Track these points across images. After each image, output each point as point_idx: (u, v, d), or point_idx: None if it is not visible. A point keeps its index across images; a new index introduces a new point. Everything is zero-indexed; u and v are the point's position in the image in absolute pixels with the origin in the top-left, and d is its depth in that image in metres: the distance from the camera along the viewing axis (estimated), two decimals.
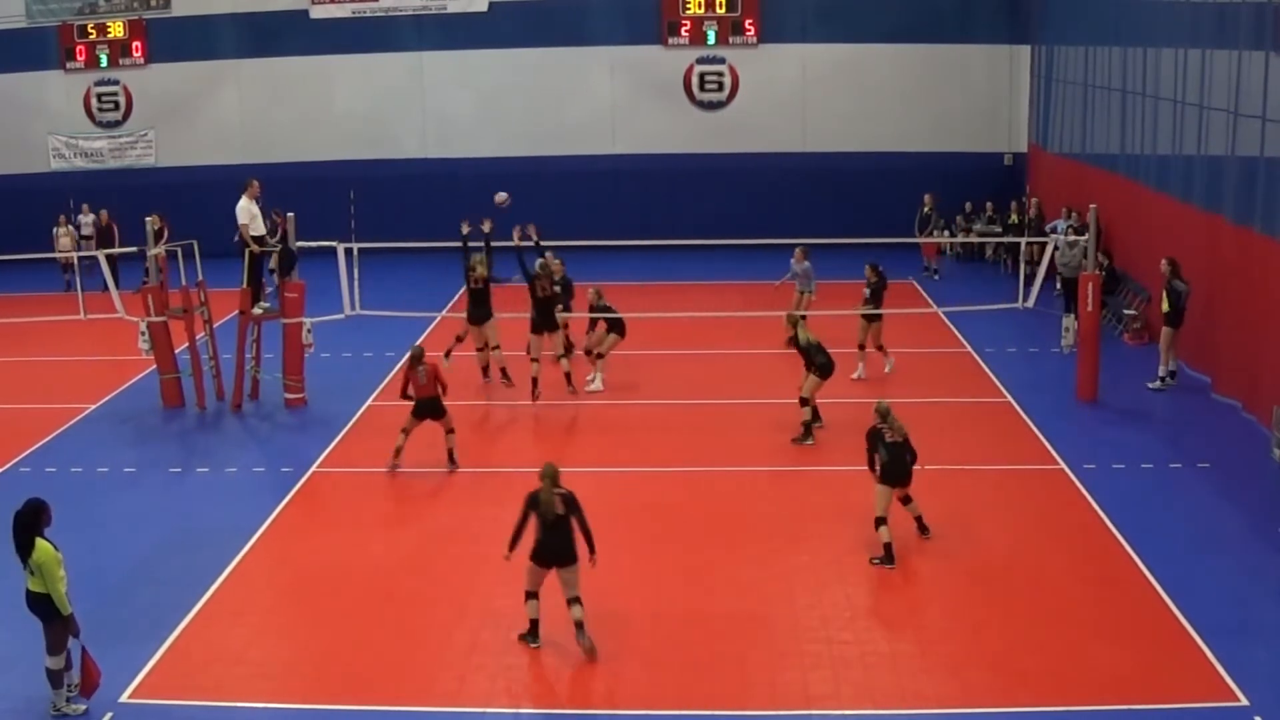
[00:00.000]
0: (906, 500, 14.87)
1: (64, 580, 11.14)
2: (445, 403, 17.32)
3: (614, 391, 20.52)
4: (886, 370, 21.10)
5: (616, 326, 20.75)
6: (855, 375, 20.80)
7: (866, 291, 21.04)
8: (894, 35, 31.82)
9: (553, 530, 12.13)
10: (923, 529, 14.91)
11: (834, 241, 23.11)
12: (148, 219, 21.17)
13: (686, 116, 32.52)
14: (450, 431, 17.27)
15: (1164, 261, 20.22)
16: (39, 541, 11.10)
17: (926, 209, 29.68)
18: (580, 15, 32.35)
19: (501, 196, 20.84)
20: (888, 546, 14.27)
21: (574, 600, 12.18)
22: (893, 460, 14.51)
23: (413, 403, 17.25)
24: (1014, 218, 29.14)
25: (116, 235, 28.88)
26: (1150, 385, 20.20)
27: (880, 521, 14.35)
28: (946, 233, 30.27)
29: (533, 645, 12.33)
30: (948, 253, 30.62)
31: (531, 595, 12.34)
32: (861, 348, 21.09)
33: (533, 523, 12.23)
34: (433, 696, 11.60)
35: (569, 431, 19.18)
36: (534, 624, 12.38)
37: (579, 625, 12.10)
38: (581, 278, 23.20)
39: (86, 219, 30.44)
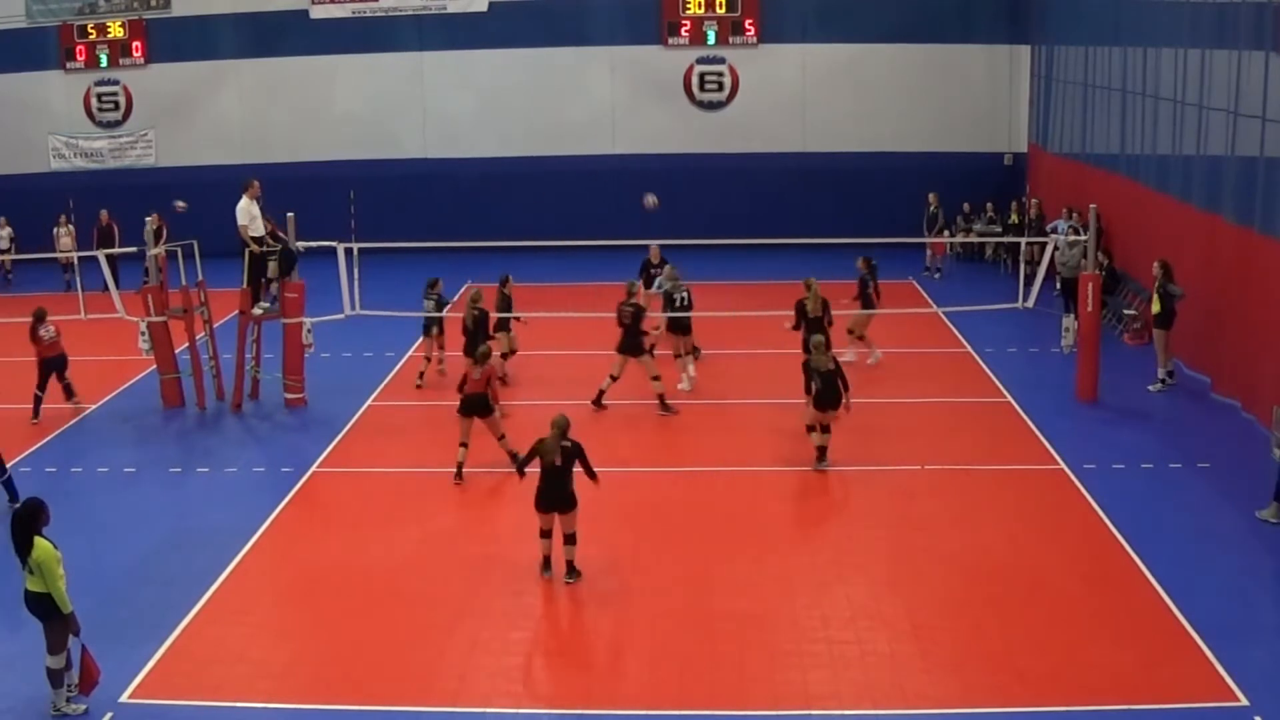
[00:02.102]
0: (826, 428, 16.88)
1: (63, 579, 11.15)
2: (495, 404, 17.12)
3: (614, 391, 20.51)
4: None
5: (677, 326, 20.65)
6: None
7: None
8: (894, 35, 31.82)
9: (551, 479, 13.54)
10: (820, 458, 16.85)
11: (834, 242, 23.13)
12: (147, 219, 21.16)
13: (686, 116, 32.52)
14: (501, 437, 16.97)
15: (1156, 264, 20.22)
16: (38, 540, 11.11)
17: (933, 208, 29.69)
18: (580, 15, 32.35)
19: (651, 200, 20.97)
20: (821, 449, 16.90)
21: (568, 539, 13.70)
22: (826, 388, 16.68)
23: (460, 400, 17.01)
24: (1014, 218, 29.14)
25: (117, 236, 28.86)
26: (1151, 388, 20.19)
27: (811, 429, 16.93)
28: (946, 233, 30.26)
29: (544, 575, 13.73)
30: (949, 252, 30.61)
31: (543, 534, 13.77)
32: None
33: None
34: (433, 696, 11.60)
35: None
36: (545, 559, 13.81)
37: (568, 565, 13.69)
38: (583, 278, 23.25)
39: (4, 231, 30.53)
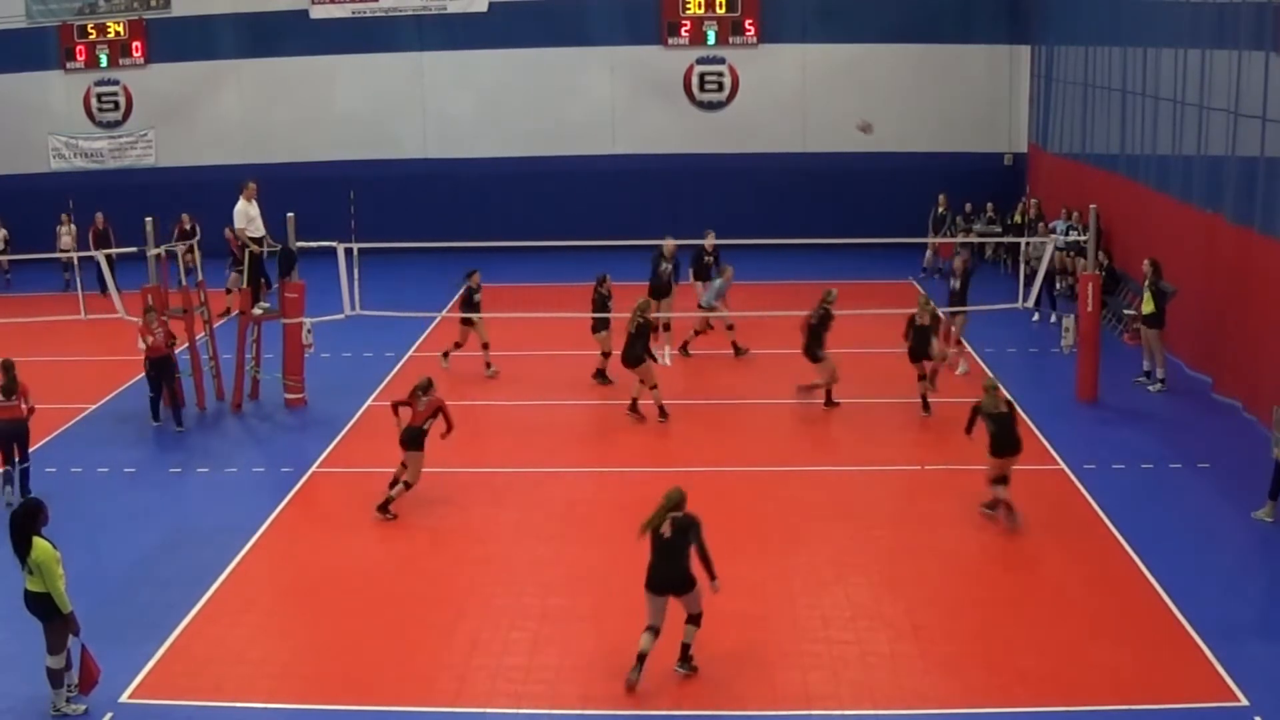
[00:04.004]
0: (1005, 478, 14.94)
1: (63, 579, 11.15)
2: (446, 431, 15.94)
3: (614, 391, 20.50)
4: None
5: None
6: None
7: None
8: (894, 35, 31.81)
9: (662, 554, 11.59)
10: (994, 506, 15.03)
11: (834, 242, 23.15)
12: (146, 219, 21.15)
13: (686, 116, 32.51)
14: (408, 485, 15.73)
15: (1146, 262, 20.21)
16: (37, 540, 11.11)
17: (941, 209, 29.67)
18: (580, 15, 32.35)
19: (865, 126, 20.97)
20: (998, 501, 14.90)
21: (690, 619, 11.77)
22: (1001, 432, 14.94)
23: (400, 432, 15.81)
24: (1019, 218, 29.10)
25: (112, 238, 28.80)
26: (1151, 388, 20.20)
27: (996, 481, 14.91)
28: (947, 233, 30.24)
29: (631, 677, 11.50)
30: (955, 252, 30.56)
31: (649, 629, 11.63)
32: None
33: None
34: (433, 696, 11.60)
35: (569, 431, 19.18)
36: (640, 657, 11.54)
37: (684, 648, 11.75)
38: (585, 278, 23.16)
39: None
